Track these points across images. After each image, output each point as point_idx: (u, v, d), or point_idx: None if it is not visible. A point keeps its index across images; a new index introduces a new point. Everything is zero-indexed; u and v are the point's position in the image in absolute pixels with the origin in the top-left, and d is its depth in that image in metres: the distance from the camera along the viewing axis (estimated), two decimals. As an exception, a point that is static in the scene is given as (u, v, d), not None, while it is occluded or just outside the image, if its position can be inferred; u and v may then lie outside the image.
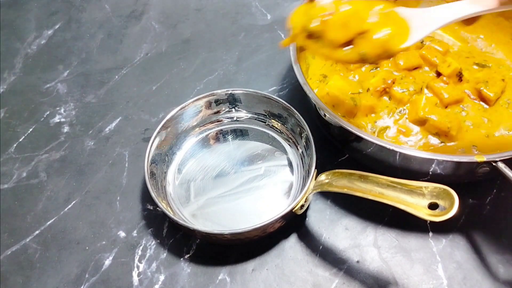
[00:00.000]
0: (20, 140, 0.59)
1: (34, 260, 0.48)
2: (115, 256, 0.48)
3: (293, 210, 0.44)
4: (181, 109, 0.52)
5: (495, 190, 0.50)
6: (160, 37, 0.70)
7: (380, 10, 0.34)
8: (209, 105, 0.54)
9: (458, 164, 0.42)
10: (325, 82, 0.55)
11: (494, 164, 0.40)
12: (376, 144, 0.43)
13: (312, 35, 0.35)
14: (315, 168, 0.46)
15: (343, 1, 0.35)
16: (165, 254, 0.48)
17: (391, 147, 0.42)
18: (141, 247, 0.48)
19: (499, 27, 0.58)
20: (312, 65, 0.57)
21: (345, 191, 0.42)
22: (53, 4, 0.76)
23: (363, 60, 0.35)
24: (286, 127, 0.53)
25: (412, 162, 0.44)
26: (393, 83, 0.54)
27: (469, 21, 0.33)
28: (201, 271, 0.46)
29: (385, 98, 0.53)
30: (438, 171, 0.43)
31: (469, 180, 0.48)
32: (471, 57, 0.57)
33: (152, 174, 0.49)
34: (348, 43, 0.35)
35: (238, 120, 0.56)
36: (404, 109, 0.52)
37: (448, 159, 0.41)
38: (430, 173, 0.44)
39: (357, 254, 0.47)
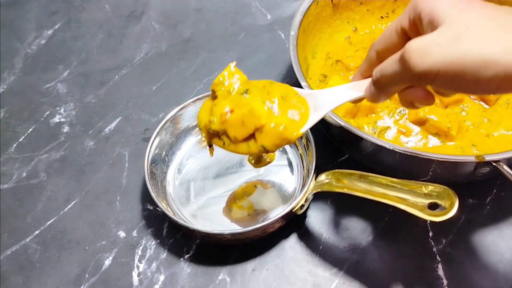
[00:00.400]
0: (20, 140, 0.59)
1: (34, 260, 0.48)
2: (115, 256, 0.48)
3: (293, 210, 0.44)
4: (181, 109, 0.52)
5: (495, 190, 0.50)
6: (160, 37, 0.70)
7: (279, 96, 0.36)
8: (209, 105, 0.54)
9: (458, 164, 0.42)
10: (325, 82, 0.55)
11: (494, 164, 0.40)
12: (376, 144, 0.43)
13: (216, 134, 0.37)
14: (315, 168, 0.46)
15: (243, 95, 0.37)
16: (165, 254, 0.48)
17: (391, 147, 0.42)
18: (141, 247, 0.48)
19: None
20: (312, 65, 0.57)
21: (345, 191, 0.42)
22: (53, 4, 0.76)
23: (266, 151, 0.36)
24: (286, 127, 0.53)
25: (412, 162, 0.44)
26: None
27: (356, 101, 0.36)
28: (201, 271, 0.46)
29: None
30: (438, 171, 0.43)
31: (469, 180, 0.48)
32: None
33: (152, 174, 0.49)
34: (252, 135, 0.36)
35: (238, 120, 0.56)
36: (404, 109, 0.52)
37: (448, 159, 0.41)
38: (430, 173, 0.44)
39: (357, 254, 0.47)
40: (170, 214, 0.44)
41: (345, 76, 0.56)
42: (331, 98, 0.36)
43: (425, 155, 0.42)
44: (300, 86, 0.47)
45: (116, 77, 0.65)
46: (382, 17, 0.62)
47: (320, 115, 0.36)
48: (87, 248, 0.49)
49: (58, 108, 0.62)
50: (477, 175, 0.44)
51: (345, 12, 0.59)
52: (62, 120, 0.60)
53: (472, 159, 0.40)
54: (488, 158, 0.40)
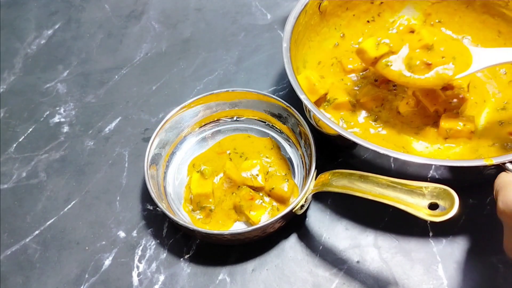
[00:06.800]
0: (20, 140, 0.59)
1: (34, 260, 0.48)
2: (115, 256, 0.48)
3: (293, 210, 0.44)
4: (181, 109, 0.52)
5: (495, 190, 0.50)
6: (160, 37, 0.70)
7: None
8: (209, 105, 0.54)
9: (466, 168, 0.42)
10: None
11: (502, 165, 0.40)
12: (372, 150, 0.42)
13: None
14: (315, 168, 0.46)
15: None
16: (165, 254, 0.48)
17: (387, 153, 0.42)
18: (141, 247, 0.48)
19: (485, 25, 0.57)
20: (303, 74, 0.56)
21: (345, 191, 0.42)
22: (53, 4, 0.76)
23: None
24: (286, 127, 0.53)
25: (414, 166, 0.44)
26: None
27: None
28: (201, 271, 0.46)
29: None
30: (443, 174, 0.43)
31: (474, 182, 0.48)
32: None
33: (152, 174, 0.49)
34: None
35: (238, 120, 0.56)
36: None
37: (456, 164, 0.41)
38: (435, 174, 0.44)
39: (357, 254, 0.47)
40: (170, 214, 0.44)
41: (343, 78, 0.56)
42: (492, 56, 0.45)
43: (425, 161, 0.42)
44: (299, 99, 0.47)
45: (116, 77, 0.65)
46: (368, 21, 0.60)
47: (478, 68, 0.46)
48: (87, 248, 0.49)
49: (58, 108, 0.61)
50: (482, 177, 0.44)
51: (332, 19, 0.59)
52: (62, 120, 0.60)
53: (482, 162, 0.40)
54: (496, 161, 0.40)
